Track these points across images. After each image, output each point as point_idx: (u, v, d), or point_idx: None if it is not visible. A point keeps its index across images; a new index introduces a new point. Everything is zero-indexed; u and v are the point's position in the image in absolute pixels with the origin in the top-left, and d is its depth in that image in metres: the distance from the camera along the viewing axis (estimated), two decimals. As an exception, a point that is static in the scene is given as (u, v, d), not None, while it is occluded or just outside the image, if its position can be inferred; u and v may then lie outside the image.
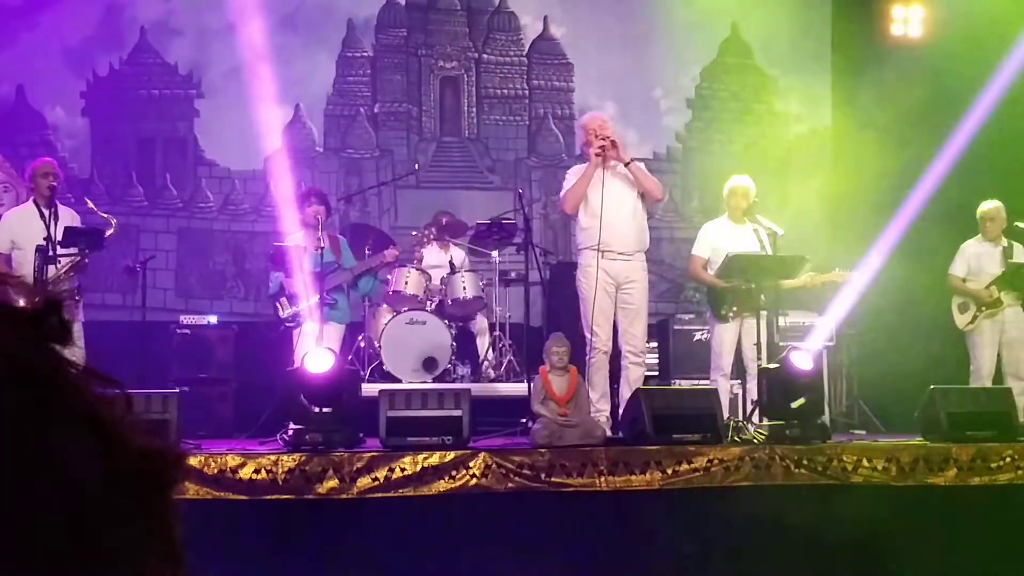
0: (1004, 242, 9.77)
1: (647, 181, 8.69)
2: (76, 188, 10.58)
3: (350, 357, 9.56)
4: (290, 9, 11.82)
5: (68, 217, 8.66)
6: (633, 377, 8.61)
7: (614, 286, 8.55)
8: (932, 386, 8.52)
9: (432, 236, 10.05)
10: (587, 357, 8.54)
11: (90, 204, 8.89)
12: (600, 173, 8.57)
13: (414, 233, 10.12)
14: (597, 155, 8.48)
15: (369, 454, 7.47)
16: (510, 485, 7.46)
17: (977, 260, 9.80)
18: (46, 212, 8.47)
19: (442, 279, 10.05)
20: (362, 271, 9.43)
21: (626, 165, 8.56)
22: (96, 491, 0.81)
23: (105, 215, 8.79)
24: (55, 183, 8.59)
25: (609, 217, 8.45)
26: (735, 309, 8.94)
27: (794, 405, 8.15)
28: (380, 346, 9.57)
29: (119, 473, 0.83)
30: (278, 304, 9.16)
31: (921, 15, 12.26)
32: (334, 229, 10.19)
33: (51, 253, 8.26)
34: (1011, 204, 9.83)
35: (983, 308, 9.67)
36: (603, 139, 8.51)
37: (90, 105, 11.54)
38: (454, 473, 7.44)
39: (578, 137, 9.13)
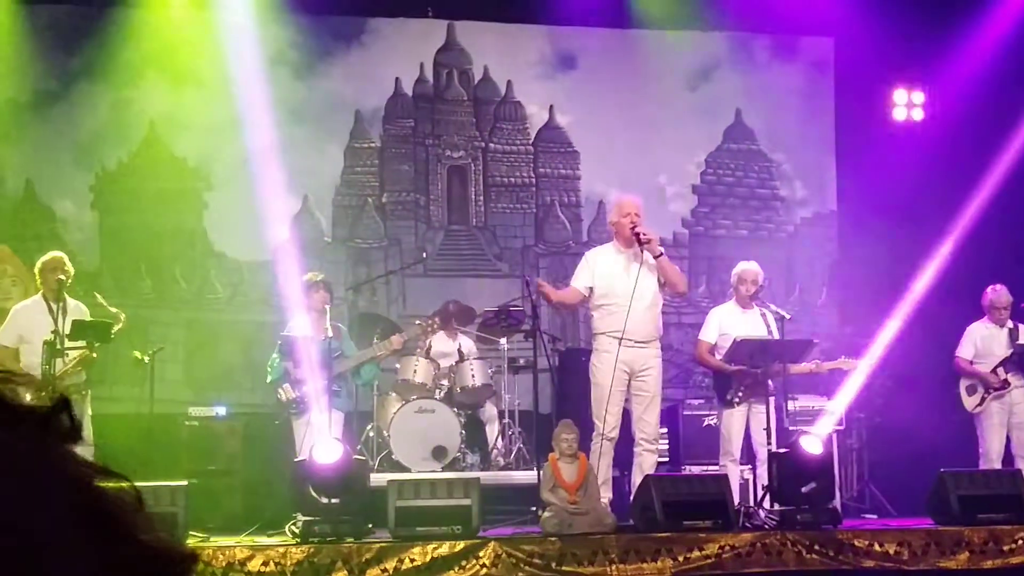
0: (1010, 324, 9.80)
1: (675, 274, 8.74)
2: (85, 281, 10.62)
3: (359, 447, 9.53)
4: (298, 101, 11.93)
5: (76, 311, 8.68)
6: (647, 464, 8.57)
7: (628, 374, 8.54)
8: (942, 469, 8.47)
9: (436, 326, 10.00)
10: (591, 443, 8.50)
11: (100, 299, 8.91)
12: (624, 260, 8.63)
13: (417, 322, 10.04)
14: (634, 233, 8.51)
15: (378, 544, 7.43)
16: (521, 575, 7.41)
17: (984, 342, 9.82)
18: (55, 306, 8.49)
19: (451, 367, 10.04)
20: (366, 359, 9.38)
21: (656, 258, 8.60)
22: None
23: (115, 310, 8.81)
24: (63, 277, 8.62)
25: (628, 304, 8.46)
26: (741, 394, 8.92)
27: (805, 490, 8.11)
28: (389, 435, 9.55)
29: (122, 571, 0.83)
30: (280, 390, 9.13)
31: (923, 99, 12.38)
32: (338, 318, 10.20)
33: (59, 347, 8.28)
34: (1016, 284, 9.86)
35: (991, 390, 9.65)
36: (637, 225, 8.54)
37: (99, 198, 11.62)
38: (464, 563, 7.39)
39: (610, 214, 9.13)
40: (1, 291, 10.26)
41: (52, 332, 8.29)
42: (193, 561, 0.90)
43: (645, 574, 7.53)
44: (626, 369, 8.51)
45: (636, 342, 8.49)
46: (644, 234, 8.53)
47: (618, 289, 8.55)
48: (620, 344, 8.46)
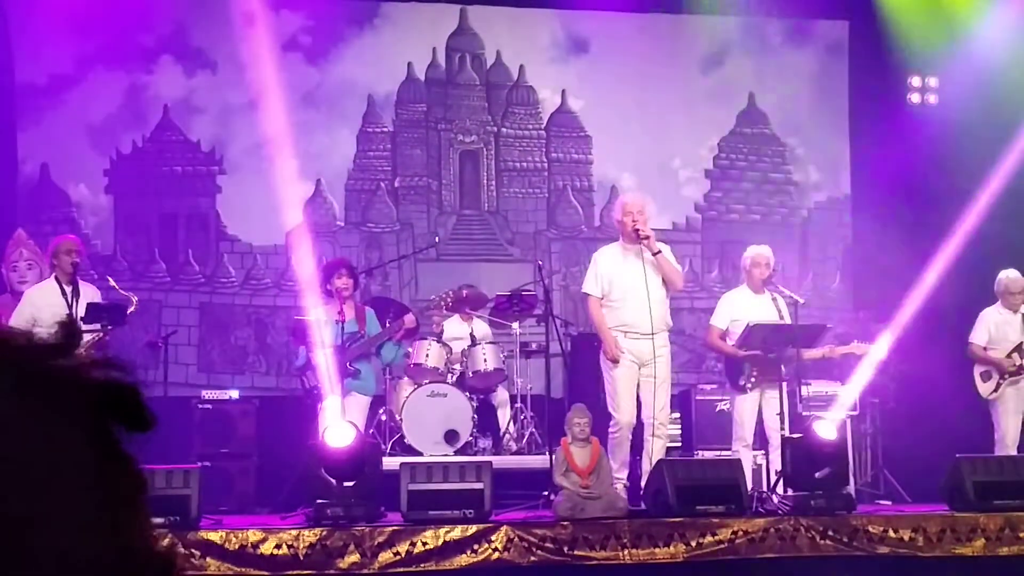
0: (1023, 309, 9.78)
1: (672, 272, 8.74)
2: (99, 265, 10.65)
3: (371, 431, 9.53)
4: (311, 86, 11.93)
5: (90, 293, 8.70)
6: (654, 450, 8.59)
7: (637, 364, 8.60)
8: (958, 455, 8.45)
9: (449, 301, 10.01)
10: (609, 433, 8.53)
11: (112, 282, 8.91)
12: (631, 256, 8.65)
13: (432, 297, 10.03)
14: (635, 231, 8.56)
15: (390, 528, 7.44)
16: (532, 559, 7.42)
17: (998, 328, 9.77)
18: (68, 289, 8.51)
19: (463, 351, 10.04)
20: (383, 339, 9.38)
21: (655, 255, 8.62)
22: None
23: (126, 292, 8.83)
24: (78, 260, 8.63)
25: (632, 298, 8.53)
26: (753, 379, 8.91)
27: (819, 475, 8.10)
28: (401, 419, 9.55)
29: (108, 564, 0.83)
30: (304, 377, 9.15)
31: (937, 84, 12.33)
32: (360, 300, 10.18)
33: (73, 329, 8.28)
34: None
35: (1006, 376, 9.62)
36: (638, 224, 8.58)
37: (113, 182, 11.62)
38: (476, 547, 7.40)
39: (615, 212, 9.15)
40: (16, 274, 10.26)
41: (66, 315, 8.29)
42: (172, 567, 0.90)
43: (657, 559, 7.54)
44: (635, 360, 8.58)
45: (642, 334, 8.55)
46: (642, 231, 8.56)
47: (623, 284, 8.62)
48: (626, 337, 8.56)
